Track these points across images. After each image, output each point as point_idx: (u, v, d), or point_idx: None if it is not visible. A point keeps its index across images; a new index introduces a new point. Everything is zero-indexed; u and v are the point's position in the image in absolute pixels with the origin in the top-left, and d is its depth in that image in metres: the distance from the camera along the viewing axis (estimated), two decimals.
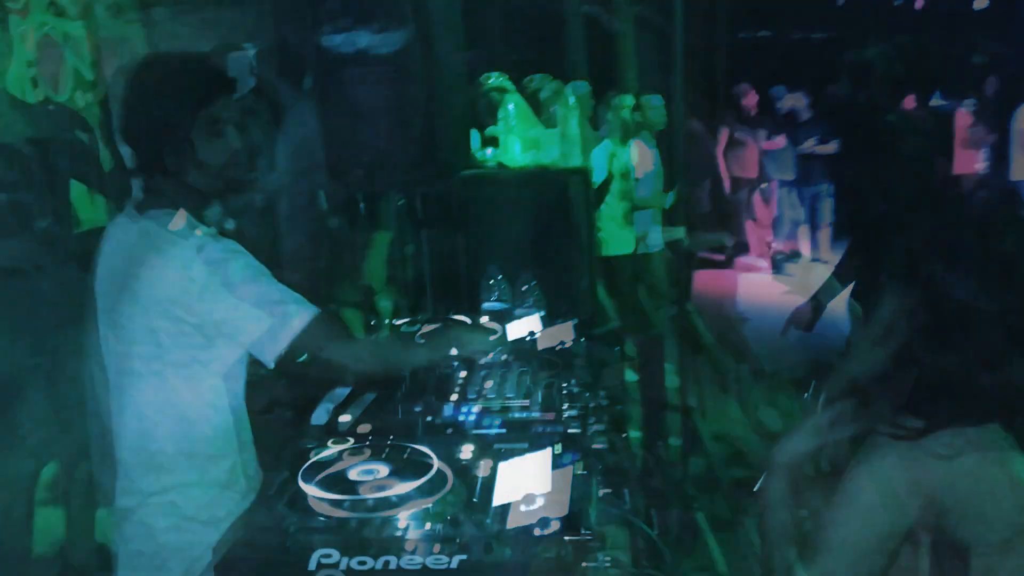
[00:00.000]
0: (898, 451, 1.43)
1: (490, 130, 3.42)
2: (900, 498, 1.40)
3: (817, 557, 1.42)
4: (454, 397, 1.76)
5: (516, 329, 2.19)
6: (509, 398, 1.73)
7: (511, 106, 3.44)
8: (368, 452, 1.45)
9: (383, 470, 1.37)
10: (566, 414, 1.66)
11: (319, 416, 1.96)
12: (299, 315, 1.60)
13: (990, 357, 1.40)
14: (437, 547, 1.18)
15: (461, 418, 1.65)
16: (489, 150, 3.36)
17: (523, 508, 1.24)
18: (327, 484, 1.32)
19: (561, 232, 3.31)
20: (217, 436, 1.70)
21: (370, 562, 1.17)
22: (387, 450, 1.44)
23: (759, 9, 9.36)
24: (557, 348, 2.08)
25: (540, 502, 1.25)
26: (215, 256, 1.58)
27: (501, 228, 3.04)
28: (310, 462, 1.41)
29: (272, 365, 1.62)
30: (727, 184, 7.57)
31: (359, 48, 2.75)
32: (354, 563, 1.17)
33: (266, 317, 1.58)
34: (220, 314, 1.57)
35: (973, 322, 1.40)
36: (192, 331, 1.58)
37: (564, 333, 2.18)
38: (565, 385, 1.81)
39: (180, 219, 1.65)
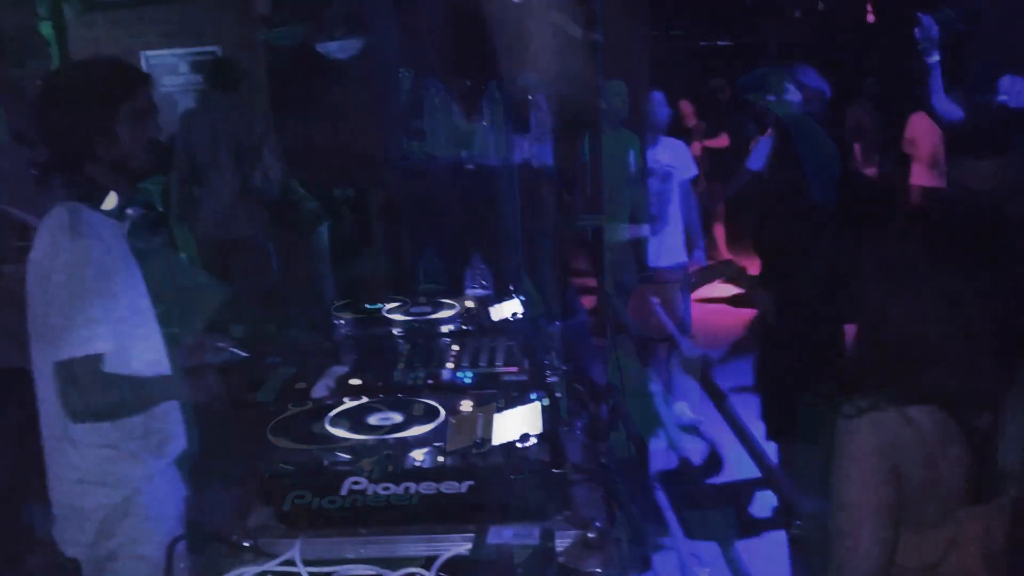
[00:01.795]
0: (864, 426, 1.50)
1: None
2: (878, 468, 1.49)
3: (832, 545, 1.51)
4: (451, 364, 2.01)
5: (499, 311, 2.45)
6: (498, 364, 1.99)
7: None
8: (382, 405, 1.68)
9: (398, 417, 1.61)
10: (549, 379, 1.93)
11: (319, 391, 2.18)
12: (74, 346, 1.70)
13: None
14: (449, 475, 1.42)
15: (458, 380, 1.90)
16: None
17: (519, 445, 1.49)
18: (352, 428, 1.56)
19: (534, 229, 3.56)
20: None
21: (393, 488, 1.41)
22: (399, 403, 1.68)
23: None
24: (511, 318, 2.39)
25: (533, 440, 1.50)
26: (67, 257, 1.75)
27: (477, 221, 3.28)
28: (335, 412, 1.64)
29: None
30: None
31: (351, 54, 2.98)
32: (380, 489, 1.41)
33: (58, 332, 1.73)
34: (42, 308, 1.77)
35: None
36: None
37: (514, 307, 2.49)
38: (544, 355, 2.08)
39: (75, 211, 1.83)
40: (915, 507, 1.51)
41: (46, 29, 6.88)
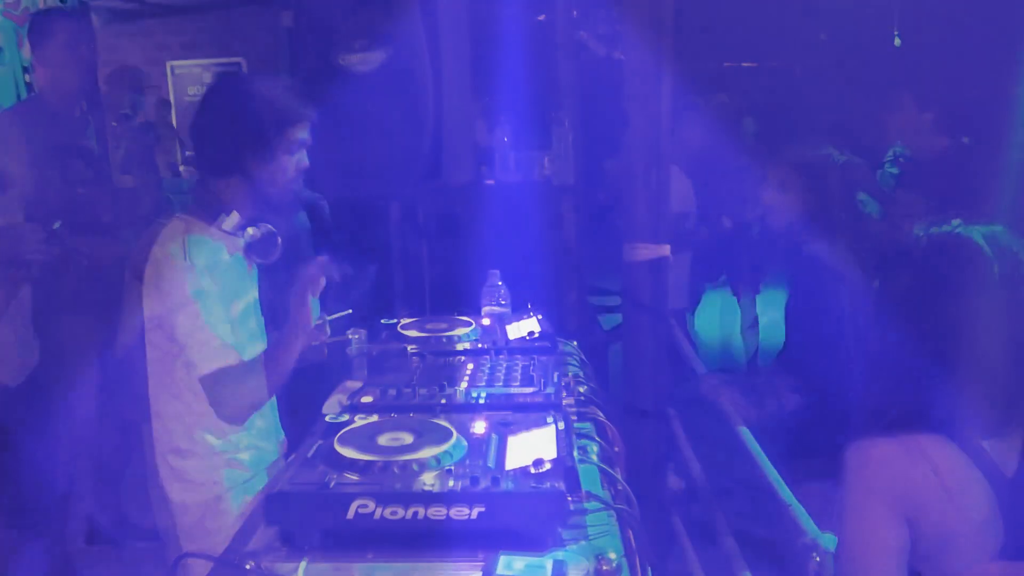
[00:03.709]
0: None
1: (487, 146, 3.63)
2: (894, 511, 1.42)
3: None
4: (464, 383, 1.96)
5: (516, 329, 2.40)
6: (514, 384, 1.94)
7: (507, 124, 3.65)
8: (393, 424, 1.64)
9: (408, 438, 1.56)
10: (565, 401, 1.87)
11: (330, 407, 2.14)
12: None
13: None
14: (459, 501, 1.37)
15: (472, 401, 1.85)
16: (485, 167, 3.56)
17: (532, 470, 1.44)
18: (361, 448, 1.51)
19: (552, 245, 3.52)
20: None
21: (401, 512, 1.36)
22: (410, 423, 1.63)
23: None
24: (527, 337, 2.34)
25: (547, 466, 1.44)
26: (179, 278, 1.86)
27: (496, 239, 3.25)
28: (344, 431, 1.60)
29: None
30: None
31: (369, 67, 2.95)
32: (387, 513, 1.36)
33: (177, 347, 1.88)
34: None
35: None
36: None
37: (532, 325, 2.43)
38: (561, 376, 2.03)
39: (190, 225, 1.92)
40: (935, 556, 1.43)
41: None
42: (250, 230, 1.97)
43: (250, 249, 2.00)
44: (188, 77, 7.82)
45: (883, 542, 1.39)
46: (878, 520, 1.39)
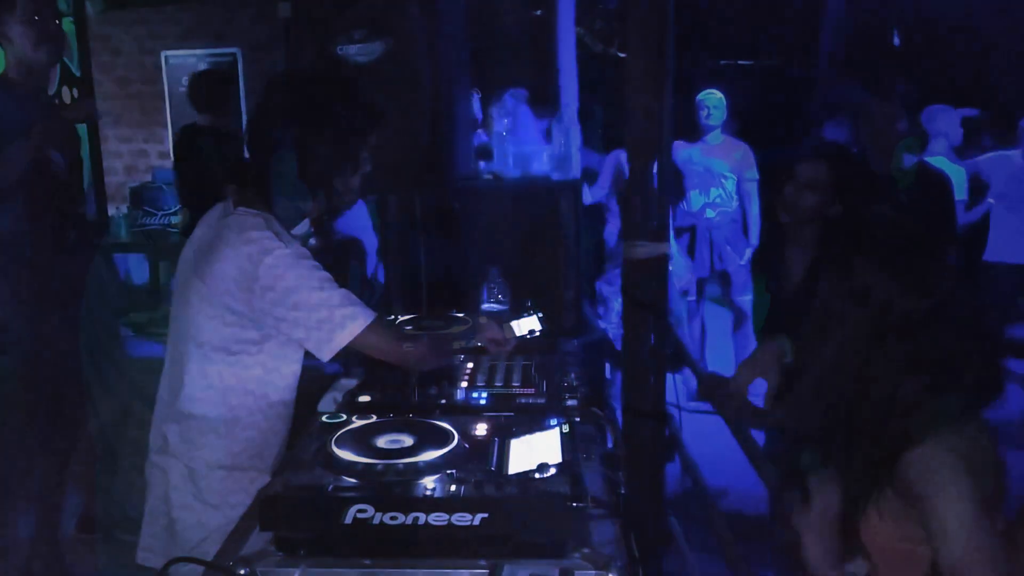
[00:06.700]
0: None
1: (485, 142, 3.59)
2: None
3: None
4: (464, 384, 1.91)
5: (517, 328, 2.35)
6: (515, 385, 1.89)
7: (506, 120, 3.60)
8: (392, 426, 1.59)
9: (408, 440, 1.51)
10: (567, 403, 1.83)
11: (326, 404, 2.09)
12: (355, 320, 1.76)
13: None
14: (461, 506, 1.33)
15: (472, 401, 1.81)
16: (482, 162, 3.51)
17: (537, 475, 1.39)
18: (359, 450, 1.46)
19: (551, 242, 3.47)
20: (249, 423, 1.85)
21: (401, 517, 1.31)
22: (410, 424, 1.59)
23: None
24: (528, 336, 2.30)
25: (552, 471, 1.40)
26: (282, 260, 1.73)
27: (494, 236, 3.20)
28: (341, 432, 1.55)
29: (326, 360, 1.80)
30: None
31: (369, 58, 2.90)
32: (387, 518, 1.32)
33: (323, 320, 1.74)
34: (279, 313, 1.73)
35: None
36: (248, 323, 1.75)
37: (533, 324, 2.39)
38: (562, 376, 1.99)
39: (270, 222, 1.82)
40: None
41: (67, 25, 6.89)
42: (311, 241, 1.92)
43: None
44: (183, 67, 7.73)
45: (989, 526, 1.38)
46: (979, 506, 1.37)
